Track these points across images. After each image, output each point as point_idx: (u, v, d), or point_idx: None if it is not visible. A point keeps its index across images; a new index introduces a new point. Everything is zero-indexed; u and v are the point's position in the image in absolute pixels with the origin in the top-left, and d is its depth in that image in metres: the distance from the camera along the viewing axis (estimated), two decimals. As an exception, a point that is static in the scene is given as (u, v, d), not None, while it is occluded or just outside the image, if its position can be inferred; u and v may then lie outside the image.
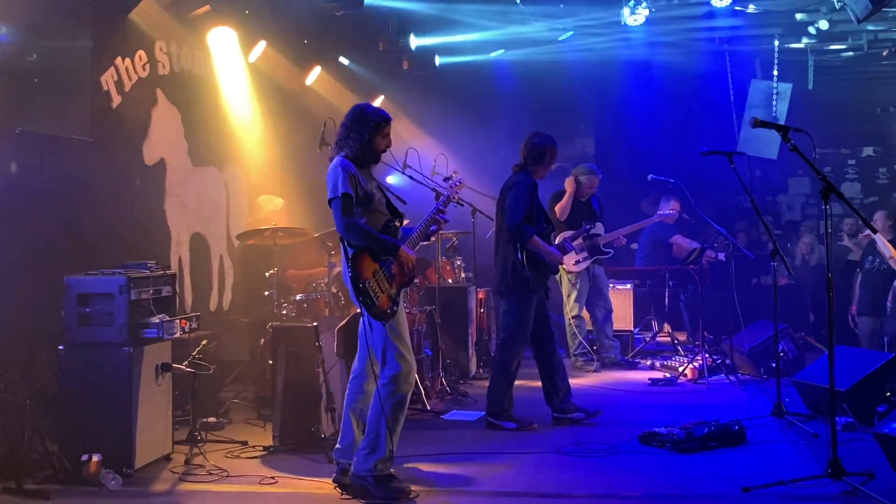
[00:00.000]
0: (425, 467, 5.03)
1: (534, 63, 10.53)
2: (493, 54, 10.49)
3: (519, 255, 5.91)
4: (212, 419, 5.96)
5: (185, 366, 5.26)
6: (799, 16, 9.55)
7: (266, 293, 6.58)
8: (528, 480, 4.77)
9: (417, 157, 6.20)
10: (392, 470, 4.51)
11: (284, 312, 6.34)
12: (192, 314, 5.45)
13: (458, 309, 7.88)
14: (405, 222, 4.77)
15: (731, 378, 7.56)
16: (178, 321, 5.12)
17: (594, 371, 8.19)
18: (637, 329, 9.37)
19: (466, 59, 10.40)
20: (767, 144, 10.48)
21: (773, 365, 6.55)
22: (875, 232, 6.53)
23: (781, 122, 10.19)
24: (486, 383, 6.20)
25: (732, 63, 10.98)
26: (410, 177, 5.99)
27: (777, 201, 13.27)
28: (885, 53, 10.62)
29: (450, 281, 8.07)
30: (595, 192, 8.44)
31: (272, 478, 4.82)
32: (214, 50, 7.63)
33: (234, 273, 7.99)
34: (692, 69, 10.92)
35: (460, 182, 5.07)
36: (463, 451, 5.39)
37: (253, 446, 5.48)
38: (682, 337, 9.43)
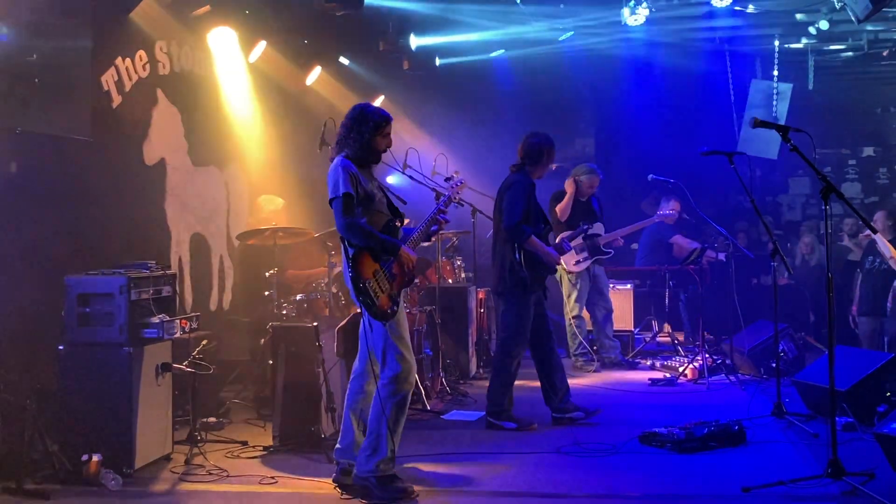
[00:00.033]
0: (425, 467, 5.03)
1: (534, 63, 10.53)
2: (494, 54, 10.49)
3: (517, 256, 5.92)
4: (212, 419, 5.96)
5: (186, 366, 5.26)
6: (799, 16, 9.55)
7: (266, 293, 6.58)
8: (528, 480, 4.77)
9: (417, 157, 6.20)
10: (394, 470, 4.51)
11: (284, 312, 6.34)
12: (193, 314, 5.45)
13: (458, 309, 7.88)
14: (406, 222, 4.77)
15: (731, 378, 7.56)
16: (178, 321, 5.12)
17: (594, 371, 8.20)
18: (637, 329, 9.38)
19: (466, 60, 10.40)
20: (767, 144, 10.47)
21: (773, 365, 6.56)
22: (875, 232, 6.54)
23: (782, 122, 10.19)
24: (486, 383, 6.20)
25: (732, 63, 10.97)
26: (410, 177, 5.99)
27: (777, 201, 13.26)
28: (885, 53, 10.62)
29: (450, 281, 8.07)
30: (595, 192, 8.44)
31: (272, 478, 4.82)
32: (215, 50, 7.63)
33: (235, 273, 7.99)
34: (692, 69, 10.91)
35: (461, 182, 5.07)
36: (463, 451, 5.40)
37: (253, 446, 5.48)
38: (681, 337, 9.44)
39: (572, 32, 9.90)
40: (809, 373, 6.44)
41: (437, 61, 10.29)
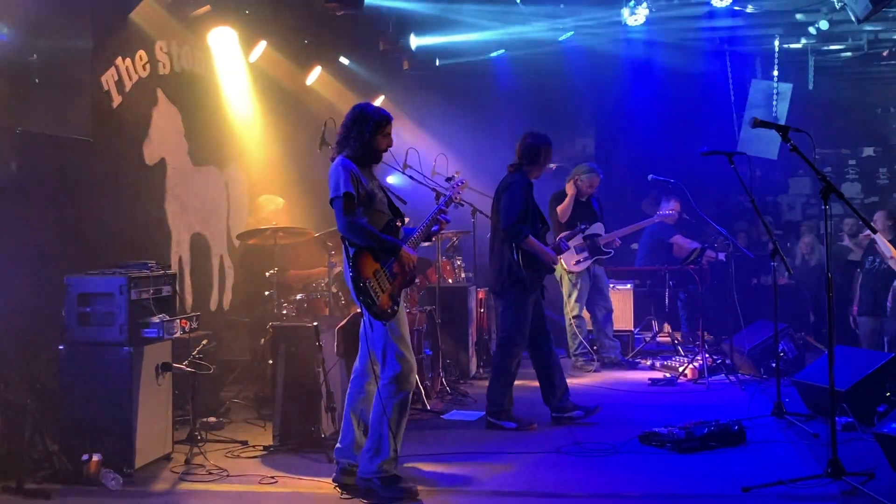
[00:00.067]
0: (425, 467, 5.03)
1: (534, 63, 10.52)
2: (494, 54, 10.49)
3: (515, 256, 5.92)
4: (212, 419, 5.96)
5: (186, 365, 5.26)
6: (799, 16, 9.55)
7: (266, 293, 6.58)
8: (528, 480, 4.77)
9: (417, 157, 6.20)
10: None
11: (285, 312, 6.34)
12: (193, 314, 5.45)
13: (458, 309, 7.88)
14: (406, 221, 4.77)
15: (731, 378, 7.56)
16: (178, 321, 5.12)
17: (594, 371, 8.20)
18: (637, 329, 9.38)
19: (466, 60, 10.40)
20: (767, 144, 10.48)
21: (773, 365, 6.56)
22: (875, 232, 6.54)
23: (782, 122, 10.20)
24: (486, 383, 6.20)
25: (732, 63, 10.97)
26: (410, 177, 5.99)
27: (777, 201, 13.26)
28: (885, 53, 10.63)
29: (450, 281, 8.07)
30: (595, 192, 8.45)
31: (272, 477, 4.82)
32: (215, 50, 7.63)
33: (235, 273, 7.99)
34: (692, 69, 10.91)
35: (462, 183, 5.07)
36: (463, 450, 5.40)
37: (253, 446, 5.48)
38: (680, 336, 9.44)
39: (572, 32, 9.90)
40: (809, 373, 6.44)
41: (437, 61, 10.29)
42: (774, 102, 10.85)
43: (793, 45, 10.53)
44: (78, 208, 5.85)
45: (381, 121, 4.57)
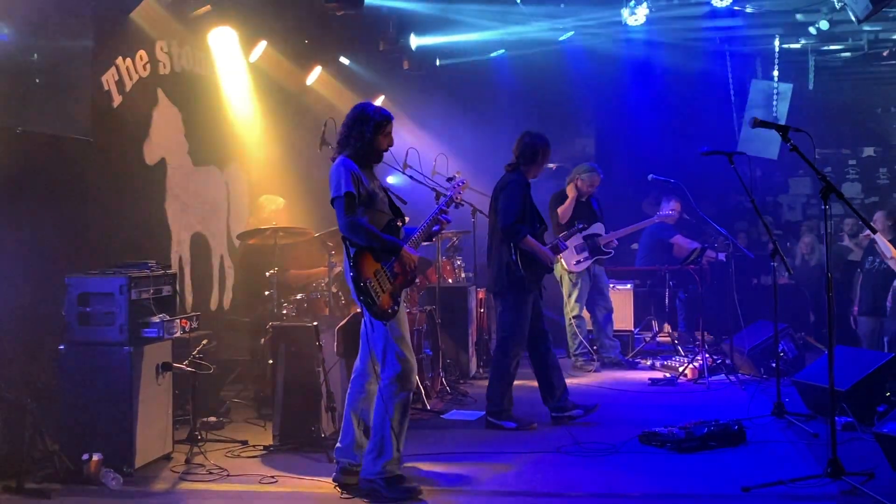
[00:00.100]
0: (426, 467, 5.03)
1: (534, 63, 10.52)
2: (494, 54, 10.49)
3: (513, 256, 5.92)
4: (212, 418, 5.97)
5: (186, 365, 5.26)
6: (799, 16, 9.55)
7: (266, 293, 6.58)
8: (528, 480, 4.77)
9: (418, 156, 6.20)
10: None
11: (285, 312, 6.34)
12: (193, 314, 5.46)
13: (458, 309, 7.88)
14: (406, 220, 4.78)
15: (731, 378, 7.56)
16: (178, 321, 5.12)
17: (594, 371, 8.20)
18: (637, 329, 9.38)
19: (467, 60, 10.40)
20: (768, 144, 10.47)
21: (773, 365, 6.56)
22: (875, 232, 6.54)
23: (782, 122, 10.19)
24: (486, 383, 6.20)
25: (732, 63, 10.97)
26: (411, 177, 6.00)
27: (778, 201, 13.26)
28: (885, 53, 10.62)
29: (450, 281, 8.07)
30: (595, 191, 8.45)
31: (272, 477, 4.82)
32: (215, 50, 7.63)
33: (235, 273, 7.99)
34: (692, 69, 10.91)
35: (463, 183, 5.07)
36: (463, 450, 5.40)
37: (253, 446, 5.48)
38: (678, 336, 9.44)
39: (572, 32, 9.90)
40: (809, 373, 6.44)
41: (438, 61, 10.29)
42: (774, 102, 10.85)
43: (793, 46, 10.53)
44: (78, 208, 5.85)
45: (381, 121, 4.57)
